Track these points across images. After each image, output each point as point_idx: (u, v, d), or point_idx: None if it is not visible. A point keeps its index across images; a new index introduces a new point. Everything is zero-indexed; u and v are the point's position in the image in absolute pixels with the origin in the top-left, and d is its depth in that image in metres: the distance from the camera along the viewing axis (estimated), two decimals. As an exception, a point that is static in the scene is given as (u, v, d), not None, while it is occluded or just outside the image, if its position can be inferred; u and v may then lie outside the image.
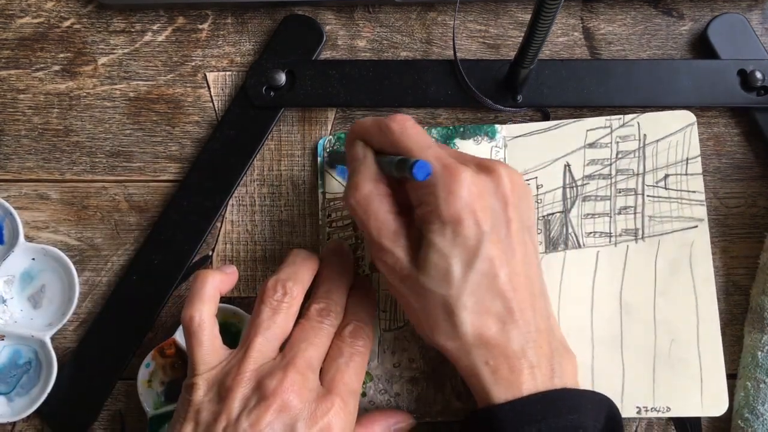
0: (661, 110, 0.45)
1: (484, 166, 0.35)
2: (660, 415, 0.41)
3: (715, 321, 0.42)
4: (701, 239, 0.43)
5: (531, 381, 0.34)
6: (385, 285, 0.43)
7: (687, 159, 0.44)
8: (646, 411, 0.41)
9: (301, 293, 0.38)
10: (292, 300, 0.37)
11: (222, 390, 0.35)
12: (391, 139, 0.36)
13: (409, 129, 0.36)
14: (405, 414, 0.41)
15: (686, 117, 0.44)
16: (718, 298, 0.44)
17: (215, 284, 0.38)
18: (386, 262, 0.35)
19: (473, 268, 0.34)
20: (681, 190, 0.43)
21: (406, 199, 0.36)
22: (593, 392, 0.36)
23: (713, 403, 0.41)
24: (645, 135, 0.44)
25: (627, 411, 0.41)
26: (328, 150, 0.44)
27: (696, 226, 0.43)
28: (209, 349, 0.36)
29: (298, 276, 0.38)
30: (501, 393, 0.34)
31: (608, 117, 0.45)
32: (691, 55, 0.47)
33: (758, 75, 0.44)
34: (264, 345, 0.36)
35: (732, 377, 0.43)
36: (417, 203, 0.35)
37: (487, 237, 0.34)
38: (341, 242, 0.42)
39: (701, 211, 0.43)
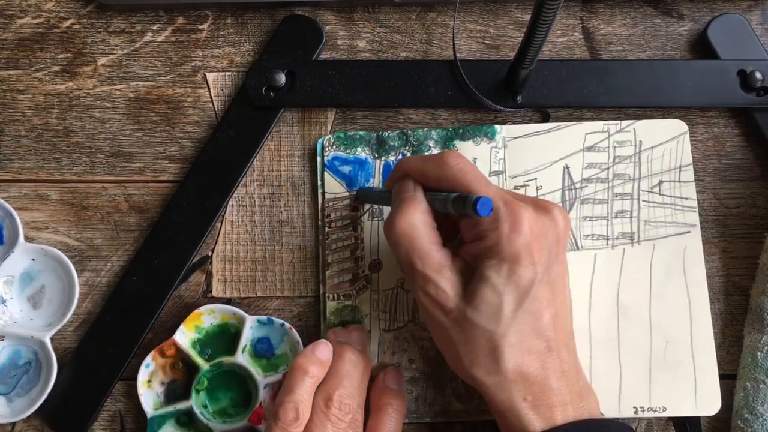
0: (661, 110, 0.45)
1: (540, 206, 0.36)
2: (656, 414, 0.42)
3: (708, 323, 0.43)
4: (694, 244, 0.43)
5: (563, 415, 0.35)
6: (385, 286, 0.43)
7: (680, 167, 0.44)
8: (643, 411, 0.42)
9: (358, 409, 0.38)
10: (349, 416, 0.37)
11: None
12: (448, 174, 0.36)
13: (466, 165, 0.36)
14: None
15: (679, 126, 0.45)
16: (717, 299, 0.44)
17: (314, 380, 0.37)
18: (429, 293, 0.35)
19: (522, 306, 0.34)
20: (674, 197, 0.44)
21: (446, 234, 0.37)
22: (615, 420, 0.38)
23: (707, 402, 0.42)
24: (641, 141, 0.44)
25: (624, 411, 0.42)
26: (360, 189, 0.44)
27: (689, 232, 0.43)
28: None
29: (350, 390, 0.37)
30: (537, 424, 0.34)
31: (606, 122, 0.45)
32: (690, 56, 0.47)
33: (758, 75, 0.44)
34: None
35: (731, 378, 0.43)
36: (472, 238, 0.35)
37: (540, 277, 0.34)
38: (357, 331, 0.42)
39: (693, 217, 0.44)
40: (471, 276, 0.35)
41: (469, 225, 0.36)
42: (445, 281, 0.35)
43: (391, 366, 0.42)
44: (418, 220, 0.36)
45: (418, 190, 0.37)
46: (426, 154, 0.37)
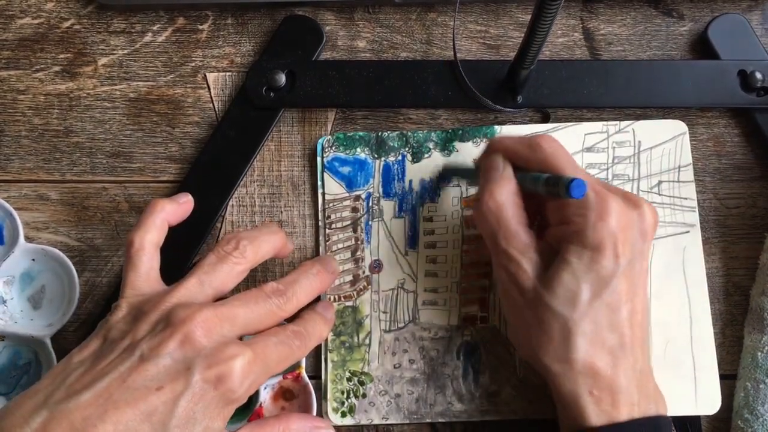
0: (662, 111, 0.45)
1: (630, 200, 0.36)
2: (659, 415, 0.42)
3: (708, 322, 0.43)
4: (693, 244, 0.43)
5: (629, 415, 0.34)
6: (385, 286, 0.43)
7: (679, 167, 0.44)
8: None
9: (252, 257, 0.37)
10: (241, 258, 0.37)
11: (138, 314, 0.34)
12: (541, 156, 0.36)
13: (558, 149, 0.36)
14: (327, 422, 0.40)
15: (678, 126, 0.45)
16: (718, 299, 0.44)
17: (164, 214, 0.38)
18: (511, 271, 0.35)
19: (600, 297, 0.34)
20: (674, 197, 0.44)
21: (529, 216, 0.37)
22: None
23: (707, 401, 0.42)
24: (640, 142, 0.44)
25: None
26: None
27: (688, 232, 0.43)
28: (143, 276, 0.36)
29: (257, 240, 0.38)
30: (599, 421, 0.34)
31: (605, 122, 0.45)
32: (691, 56, 0.47)
33: (758, 75, 0.44)
34: (196, 286, 0.35)
35: (731, 378, 0.43)
36: (558, 221, 0.35)
37: (621, 270, 0.34)
38: (334, 261, 0.42)
39: (693, 217, 0.44)
40: (553, 260, 0.35)
41: (556, 208, 0.36)
42: (527, 261, 0.35)
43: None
44: (506, 199, 0.36)
45: (507, 169, 0.37)
46: (521, 136, 0.37)
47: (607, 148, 0.45)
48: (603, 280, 0.34)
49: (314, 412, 0.42)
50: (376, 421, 0.42)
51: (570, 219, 0.35)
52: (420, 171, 0.44)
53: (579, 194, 0.32)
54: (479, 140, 0.45)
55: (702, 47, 0.46)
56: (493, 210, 0.36)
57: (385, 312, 0.43)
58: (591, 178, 0.36)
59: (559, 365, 0.34)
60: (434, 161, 0.45)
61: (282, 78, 0.44)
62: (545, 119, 0.46)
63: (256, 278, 0.45)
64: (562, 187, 0.32)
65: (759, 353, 0.42)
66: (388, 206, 0.44)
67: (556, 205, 0.36)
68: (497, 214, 0.36)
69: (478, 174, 0.39)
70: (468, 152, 0.44)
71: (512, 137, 0.38)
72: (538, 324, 0.35)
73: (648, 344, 0.36)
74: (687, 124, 0.45)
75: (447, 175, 0.44)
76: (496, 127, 0.45)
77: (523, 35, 0.39)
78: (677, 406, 0.42)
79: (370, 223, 0.44)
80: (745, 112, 0.45)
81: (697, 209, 0.44)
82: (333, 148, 0.45)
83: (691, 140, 0.45)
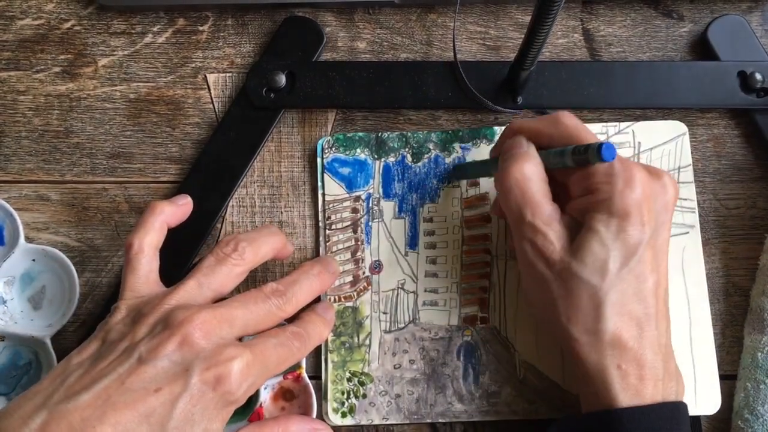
0: (662, 111, 0.45)
1: (652, 171, 0.36)
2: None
3: (707, 323, 0.43)
4: (693, 245, 0.43)
5: (653, 392, 0.34)
6: (386, 287, 0.43)
7: (679, 168, 0.44)
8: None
9: (252, 258, 0.37)
10: (240, 260, 0.37)
11: (137, 316, 0.34)
12: (563, 131, 0.36)
13: (579, 122, 0.37)
14: (325, 424, 0.39)
15: (678, 127, 0.45)
16: (717, 299, 0.44)
17: (163, 216, 0.38)
18: (537, 244, 0.35)
19: (628, 266, 0.34)
20: None
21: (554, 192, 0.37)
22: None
23: (707, 402, 0.42)
24: (640, 143, 0.44)
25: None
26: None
27: (688, 233, 0.43)
28: (142, 279, 0.36)
29: (256, 242, 0.38)
30: (626, 398, 0.34)
31: (605, 123, 0.45)
32: (691, 57, 0.47)
33: (758, 76, 0.44)
34: (195, 289, 0.36)
35: (731, 378, 0.43)
36: (582, 192, 0.35)
37: (647, 240, 0.34)
38: (334, 262, 0.42)
39: (692, 218, 0.44)
40: (577, 232, 0.35)
41: (580, 178, 0.35)
42: (553, 233, 0.35)
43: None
44: (531, 172, 0.36)
45: (531, 146, 0.37)
46: (540, 116, 0.38)
47: None
48: (631, 248, 0.34)
49: (314, 413, 0.42)
50: (377, 422, 0.42)
51: (596, 187, 0.34)
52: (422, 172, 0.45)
53: (610, 156, 0.32)
54: (479, 141, 0.45)
55: (702, 48, 0.46)
56: (520, 182, 0.35)
57: (385, 312, 0.43)
58: None
59: (587, 336, 0.34)
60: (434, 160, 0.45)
61: (282, 79, 0.44)
62: (545, 120, 0.46)
63: (256, 278, 0.45)
64: (592, 152, 0.33)
65: (759, 353, 0.42)
66: (388, 207, 0.44)
67: (581, 175, 0.35)
68: (523, 187, 0.35)
69: (495, 166, 0.39)
70: (468, 153, 0.44)
71: (531, 119, 0.38)
72: (566, 295, 0.35)
73: (669, 318, 0.36)
74: (687, 125, 0.45)
75: (458, 177, 0.44)
76: (496, 128, 0.45)
77: (523, 36, 0.39)
78: (677, 407, 0.42)
79: (370, 223, 0.44)
80: (745, 113, 0.45)
81: (696, 210, 0.44)
82: (333, 149, 0.45)
83: (690, 141, 0.45)
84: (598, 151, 0.32)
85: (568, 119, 0.37)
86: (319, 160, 0.45)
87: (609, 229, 0.34)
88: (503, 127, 0.45)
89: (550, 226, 0.35)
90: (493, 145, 0.44)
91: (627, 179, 0.34)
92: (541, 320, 0.37)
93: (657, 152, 0.44)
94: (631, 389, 0.34)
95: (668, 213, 0.36)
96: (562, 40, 0.47)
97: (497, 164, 0.38)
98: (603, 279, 0.34)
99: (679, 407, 0.35)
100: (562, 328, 0.35)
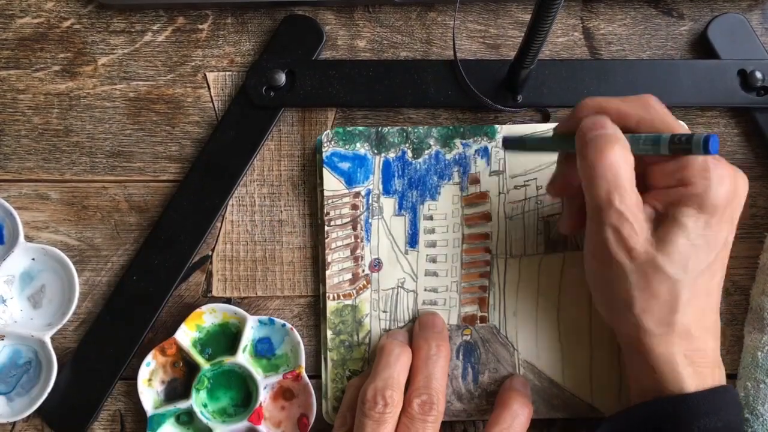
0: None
1: (735, 168, 0.36)
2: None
3: None
4: None
5: (712, 377, 0.35)
6: (385, 285, 0.43)
7: None
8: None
9: (401, 398, 0.38)
10: (394, 408, 0.37)
11: None
12: (655, 116, 0.35)
13: (666, 109, 0.36)
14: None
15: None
16: (718, 299, 0.44)
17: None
18: (622, 232, 0.34)
19: (708, 263, 0.34)
20: None
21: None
22: None
23: None
24: None
25: (627, 411, 0.41)
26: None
27: None
28: None
29: (395, 381, 0.38)
30: (692, 384, 0.34)
31: None
32: (691, 55, 0.47)
33: (758, 75, 0.44)
34: None
35: (732, 378, 0.43)
36: (672, 183, 0.35)
37: (727, 238, 0.35)
38: (435, 316, 0.42)
39: None
40: (657, 224, 0.35)
41: (671, 169, 0.35)
42: (639, 223, 0.34)
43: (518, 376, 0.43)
44: (623, 158, 0.34)
45: (617, 129, 0.35)
46: (620, 97, 0.36)
47: None
48: (713, 246, 0.34)
49: (314, 412, 0.42)
50: (376, 421, 0.42)
51: (689, 181, 0.34)
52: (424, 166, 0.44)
53: (715, 149, 0.32)
54: (480, 138, 0.44)
55: (702, 47, 0.46)
56: (614, 166, 0.34)
57: (385, 311, 0.43)
58: None
59: (660, 327, 0.34)
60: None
61: (282, 77, 0.44)
62: (545, 119, 0.46)
63: (256, 278, 0.45)
64: (697, 144, 0.32)
65: (759, 353, 0.41)
66: (388, 204, 0.44)
67: (673, 166, 0.34)
68: (615, 172, 0.34)
69: (561, 142, 0.38)
70: (469, 150, 0.44)
71: (613, 98, 0.36)
72: (645, 287, 0.34)
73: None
74: (687, 124, 0.45)
75: (512, 147, 0.43)
76: (496, 126, 0.45)
77: (523, 35, 0.39)
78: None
79: (370, 220, 0.44)
80: (745, 112, 0.45)
81: None
82: (332, 142, 0.44)
83: (691, 140, 0.45)
84: (705, 144, 0.32)
85: (659, 104, 0.35)
86: (318, 155, 0.45)
87: (697, 225, 0.34)
88: (504, 126, 0.45)
89: (636, 215, 0.34)
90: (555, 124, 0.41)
91: (721, 176, 0.34)
92: (609, 310, 0.37)
93: None
94: (696, 375, 0.34)
95: (741, 210, 0.36)
96: (562, 38, 0.47)
97: (563, 141, 0.37)
98: (686, 273, 0.34)
99: (733, 390, 0.36)
100: (632, 319, 0.35)
